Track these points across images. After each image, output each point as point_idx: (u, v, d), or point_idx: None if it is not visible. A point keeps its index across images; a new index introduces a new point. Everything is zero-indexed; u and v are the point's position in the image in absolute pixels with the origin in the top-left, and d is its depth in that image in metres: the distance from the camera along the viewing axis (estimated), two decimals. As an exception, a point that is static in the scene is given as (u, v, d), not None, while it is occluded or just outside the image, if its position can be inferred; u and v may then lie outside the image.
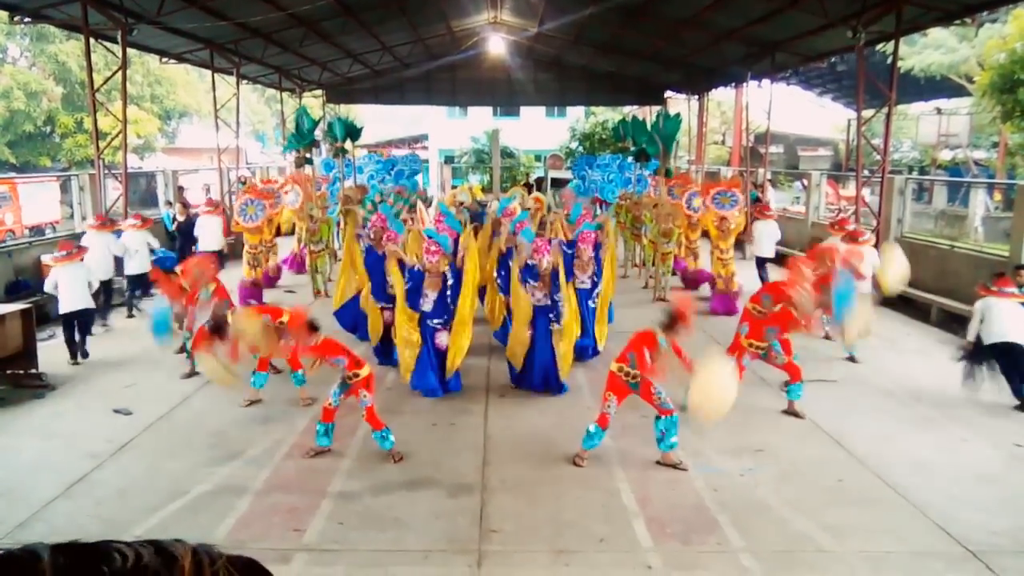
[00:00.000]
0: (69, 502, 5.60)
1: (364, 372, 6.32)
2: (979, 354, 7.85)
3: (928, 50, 25.23)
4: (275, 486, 5.88)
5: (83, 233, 12.87)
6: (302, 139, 13.69)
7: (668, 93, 28.61)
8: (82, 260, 9.33)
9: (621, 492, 5.80)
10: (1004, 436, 6.93)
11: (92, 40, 12.40)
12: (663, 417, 6.14)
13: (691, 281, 13.42)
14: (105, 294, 10.79)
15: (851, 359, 9.38)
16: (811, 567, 4.84)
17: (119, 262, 11.27)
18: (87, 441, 6.69)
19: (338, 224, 15.29)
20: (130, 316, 11.62)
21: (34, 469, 6.18)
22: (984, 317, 7.80)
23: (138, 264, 11.31)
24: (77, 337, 9.21)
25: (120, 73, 12.51)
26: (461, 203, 14.70)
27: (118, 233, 11.06)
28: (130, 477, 6.02)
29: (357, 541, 5.09)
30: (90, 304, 9.30)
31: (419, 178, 19.88)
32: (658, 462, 6.24)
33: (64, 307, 9.00)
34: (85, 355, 9.35)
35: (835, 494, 5.80)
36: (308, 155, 14.15)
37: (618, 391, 6.15)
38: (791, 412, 7.47)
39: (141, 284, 11.56)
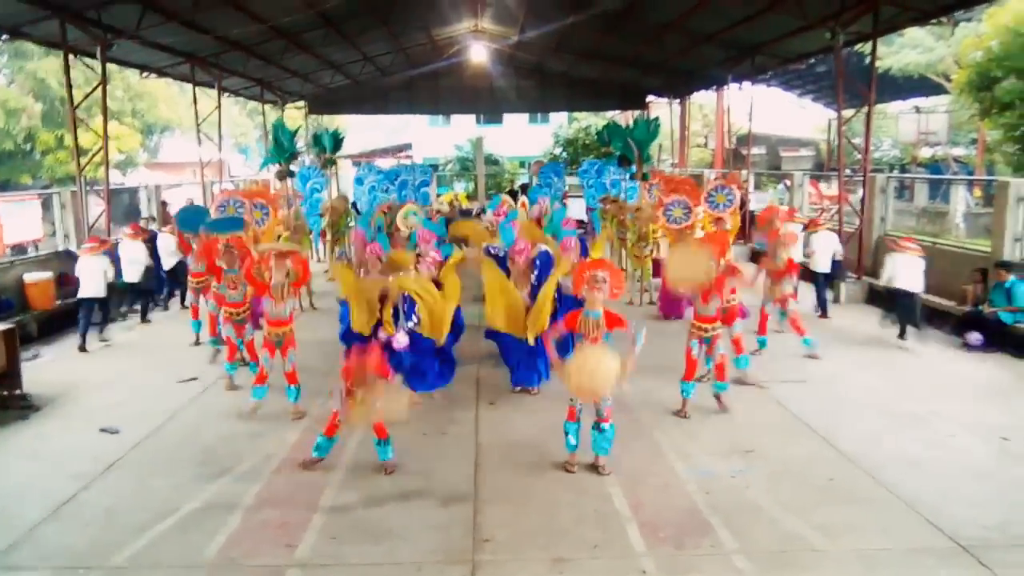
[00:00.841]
0: (57, 524, 5.53)
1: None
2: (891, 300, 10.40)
3: (905, 50, 25.50)
4: (266, 501, 5.83)
5: (66, 251, 12.83)
6: (282, 152, 13.66)
7: (650, 97, 28.79)
8: (105, 253, 10.70)
9: (613, 497, 5.79)
10: (991, 430, 6.98)
11: (71, 56, 12.34)
12: (600, 424, 6.18)
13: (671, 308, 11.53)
14: (103, 310, 10.95)
15: (812, 356, 9.43)
16: (804, 567, 4.85)
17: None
18: (73, 462, 6.61)
19: (321, 234, 15.24)
20: (145, 322, 12.12)
21: (20, 492, 6.10)
22: (889, 268, 10.06)
23: (136, 273, 11.69)
24: (94, 321, 10.61)
25: (100, 89, 12.45)
26: (438, 211, 14.72)
27: (108, 253, 11.10)
28: (118, 497, 5.95)
29: (350, 555, 5.06)
30: (102, 294, 10.54)
31: (431, 190, 18.40)
32: (596, 467, 6.25)
33: (81, 293, 10.47)
34: (104, 340, 10.81)
35: (826, 493, 5.82)
36: (290, 168, 14.14)
37: None
38: (741, 380, 8.07)
39: (142, 293, 12.12)
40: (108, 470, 6.46)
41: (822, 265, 11.70)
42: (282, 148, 13.56)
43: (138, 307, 12.40)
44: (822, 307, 11.81)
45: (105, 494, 6.01)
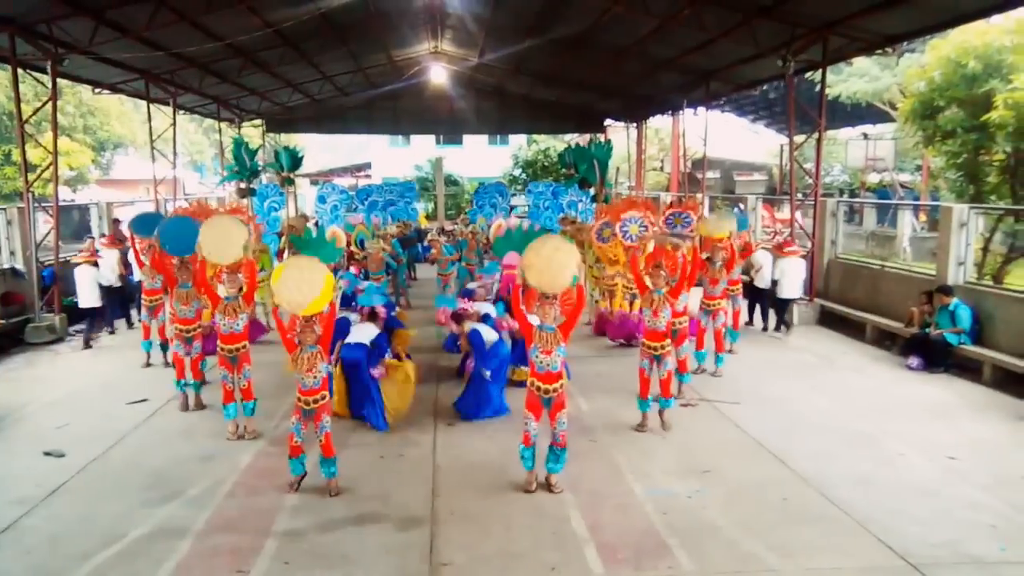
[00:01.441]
0: (-4, 552, 5.33)
1: (328, 395, 6.26)
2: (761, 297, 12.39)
3: (853, 78, 26.25)
4: (217, 527, 5.69)
5: (12, 269, 12.47)
6: (243, 170, 13.48)
7: (608, 121, 29.14)
8: (95, 264, 11.65)
9: (571, 518, 5.78)
10: (938, 450, 7.15)
11: (20, 71, 12.05)
12: (555, 447, 6.22)
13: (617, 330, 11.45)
14: (89, 320, 11.86)
15: (715, 374, 9.66)
16: (760, 587, 4.89)
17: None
18: (15, 486, 6.38)
19: (279, 254, 15.05)
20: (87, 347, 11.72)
21: (-43, 518, 5.86)
22: (775, 272, 11.73)
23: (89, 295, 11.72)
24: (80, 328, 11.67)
25: (51, 104, 12.16)
26: (388, 234, 14.69)
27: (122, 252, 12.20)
28: (62, 523, 5.76)
29: (304, 580, 4.95)
30: (95, 303, 11.66)
31: (418, 207, 18.67)
32: (548, 485, 6.27)
33: (79, 302, 11.73)
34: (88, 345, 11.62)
35: (781, 513, 5.89)
36: (252, 186, 13.95)
37: (534, 408, 6.17)
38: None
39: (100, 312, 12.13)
40: (52, 495, 6.24)
41: (789, 291, 12.10)
42: (244, 166, 13.38)
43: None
44: (786, 325, 12.45)
45: (48, 520, 5.81)
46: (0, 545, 5.43)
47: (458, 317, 8.71)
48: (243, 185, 13.83)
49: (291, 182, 15.09)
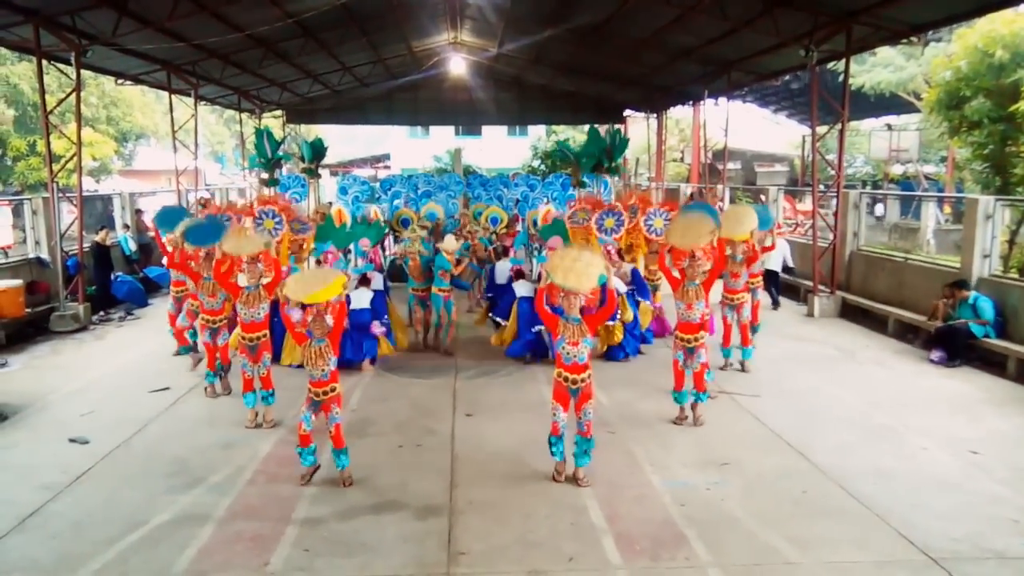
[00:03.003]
0: (22, 536, 5.42)
1: (339, 387, 6.25)
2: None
3: (877, 68, 25.91)
4: (238, 513, 5.76)
5: (37, 258, 12.65)
6: (266, 160, 13.55)
7: (627, 112, 28.98)
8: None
9: (589, 509, 5.79)
10: (961, 444, 7.08)
11: (45, 62, 12.19)
12: (581, 437, 6.20)
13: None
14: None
15: (743, 367, 9.60)
16: (778, 579, 4.88)
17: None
18: (41, 472, 6.49)
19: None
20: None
21: (-15, 503, 5.98)
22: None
23: None
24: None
25: (74, 95, 12.29)
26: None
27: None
28: (86, 509, 5.85)
29: (323, 568, 5.00)
30: None
31: (459, 200, 17.42)
32: (575, 478, 6.26)
33: None
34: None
35: (800, 505, 5.87)
36: (274, 176, 14.02)
37: (561, 398, 6.16)
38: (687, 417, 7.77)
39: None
40: (77, 481, 6.34)
41: (772, 263, 13.13)
42: (267, 156, 13.45)
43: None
44: (774, 301, 13.56)
45: (73, 506, 5.90)
46: (26, 529, 5.53)
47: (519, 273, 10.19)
48: (264, 175, 13.89)
49: (315, 173, 15.16)
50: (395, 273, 12.86)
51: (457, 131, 38.64)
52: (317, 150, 14.67)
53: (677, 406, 7.66)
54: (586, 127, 32.74)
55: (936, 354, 9.96)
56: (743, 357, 9.60)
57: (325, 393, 6.16)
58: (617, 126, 22.44)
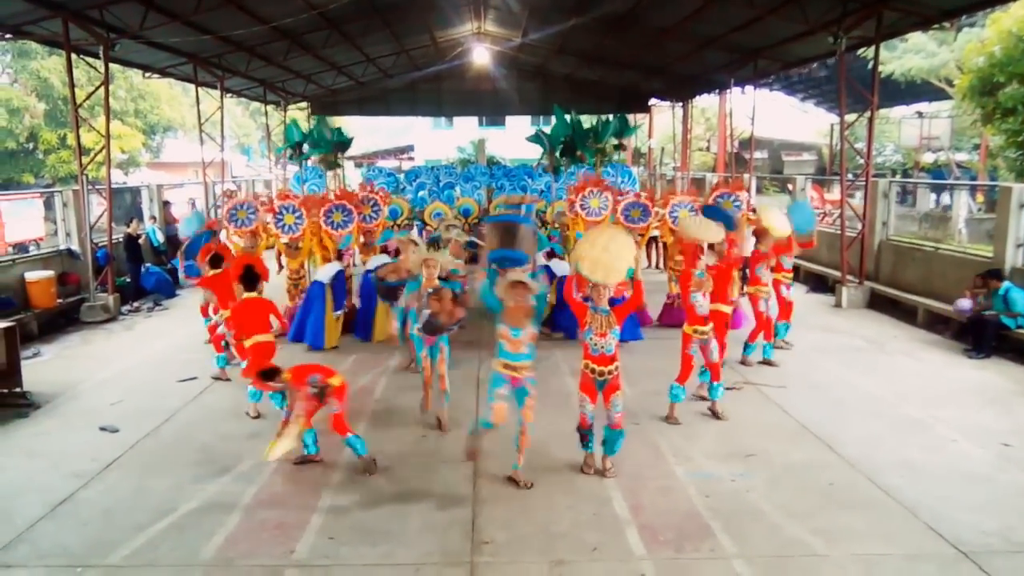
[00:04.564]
0: (54, 523, 5.53)
1: (336, 381, 6.17)
2: None
3: (908, 55, 25.47)
4: (264, 502, 5.82)
5: (68, 250, 12.85)
6: (294, 144, 13.78)
7: (652, 100, 28.76)
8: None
9: (613, 500, 5.77)
10: (992, 436, 6.96)
11: (74, 56, 12.34)
12: (611, 429, 6.13)
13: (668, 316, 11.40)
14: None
15: (768, 362, 9.39)
16: (804, 572, 4.83)
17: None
18: (72, 460, 6.61)
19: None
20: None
21: (18, 490, 6.09)
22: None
23: None
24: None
25: (103, 88, 12.44)
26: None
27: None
28: (116, 496, 5.94)
29: (348, 556, 5.04)
30: None
31: (483, 192, 16.85)
32: (603, 468, 6.22)
33: None
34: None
35: (826, 498, 5.80)
36: (302, 151, 14.18)
37: (588, 390, 6.11)
38: (712, 412, 7.60)
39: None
40: (107, 469, 6.45)
41: None
42: (293, 141, 13.68)
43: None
44: None
45: (103, 493, 6.00)
46: (57, 516, 5.63)
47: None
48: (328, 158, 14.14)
49: (336, 164, 15.28)
50: None
51: (481, 122, 38.59)
52: (340, 140, 14.77)
53: (675, 402, 7.49)
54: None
55: (969, 346, 9.81)
56: (764, 355, 9.44)
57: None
58: (619, 114, 22.44)
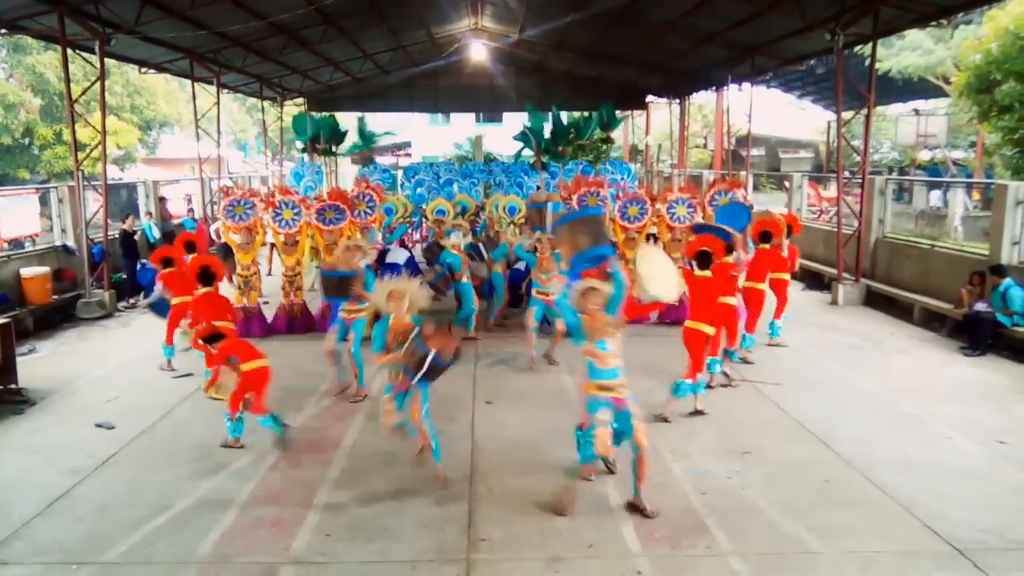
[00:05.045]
0: (50, 519, 5.52)
1: (248, 367, 6.54)
2: None
3: (905, 52, 25.51)
4: (260, 499, 5.81)
5: (64, 246, 12.81)
6: (367, 141, 13.83)
7: (649, 97, 28.74)
8: None
9: (609, 497, 5.78)
10: (987, 433, 6.98)
11: (70, 51, 12.30)
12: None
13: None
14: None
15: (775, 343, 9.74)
16: (800, 569, 4.84)
17: None
18: (68, 457, 6.59)
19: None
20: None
21: (14, 486, 6.08)
22: None
23: None
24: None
25: (99, 84, 12.40)
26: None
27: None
28: (113, 492, 5.93)
29: (344, 553, 5.04)
30: None
31: (480, 189, 17.14)
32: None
33: None
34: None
35: (822, 495, 5.82)
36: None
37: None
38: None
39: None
40: (103, 466, 6.44)
41: None
42: (305, 134, 13.66)
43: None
44: None
45: (99, 489, 5.99)
46: (53, 512, 5.62)
47: None
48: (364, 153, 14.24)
49: (331, 152, 15.26)
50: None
51: (478, 118, 38.55)
52: (333, 130, 14.74)
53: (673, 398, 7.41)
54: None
55: (964, 343, 9.84)
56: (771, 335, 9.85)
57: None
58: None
